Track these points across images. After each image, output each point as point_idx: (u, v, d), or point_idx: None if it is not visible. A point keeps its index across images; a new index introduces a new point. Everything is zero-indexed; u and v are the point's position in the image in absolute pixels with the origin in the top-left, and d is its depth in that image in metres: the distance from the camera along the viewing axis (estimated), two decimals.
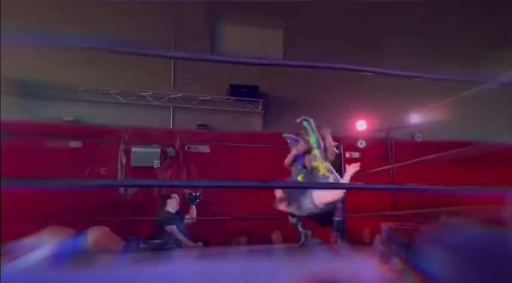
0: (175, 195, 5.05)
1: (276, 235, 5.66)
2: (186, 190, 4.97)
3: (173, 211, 4.93)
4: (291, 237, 5.49)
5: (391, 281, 0.79)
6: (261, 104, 7.34)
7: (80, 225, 2.68)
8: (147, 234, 5.18)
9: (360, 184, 4.43)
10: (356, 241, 5.47)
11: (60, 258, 2.01)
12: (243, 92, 7.20)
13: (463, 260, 0.65)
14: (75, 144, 5.89)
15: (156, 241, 4.38)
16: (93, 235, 2.37)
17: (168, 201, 4.97)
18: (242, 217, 5.75)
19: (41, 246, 2.07)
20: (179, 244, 4.44)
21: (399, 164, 6.24)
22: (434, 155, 3.69)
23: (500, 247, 0.67)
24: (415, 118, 5.80)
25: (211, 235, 5.34)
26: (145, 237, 4.85)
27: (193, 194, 4.89)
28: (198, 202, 5.06)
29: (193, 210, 5.08)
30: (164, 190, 5.32)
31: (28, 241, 2.14)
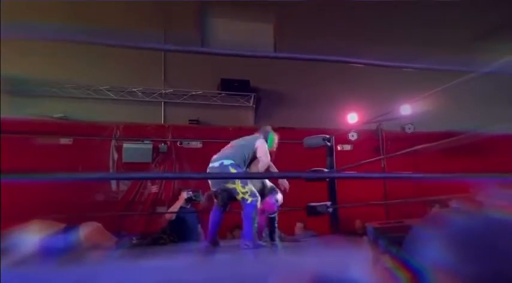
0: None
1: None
2: (187, 191, 4.92)
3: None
4: (284, 230, 5.53)
5: (381, 280, 0.79)
6: (252, 98, 7.33)
7: (71, 221, 2.66)
8: (140, 229, 5.18)
9: (350, 173, 4.46)
10: (348, 231, 5.52)
11: (49, 253, 2.00)
12: (234, 87, 7.18)
13: (454, 252, 0.65)
14: (65, 141, 5.84)
15: (150, 236, 4.36)
16: (84, 231, 2.36)
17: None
18: (236, 211, 5.74)
19: (28, 241, 2.05)
20: (173, 239, 4.43)
21: (389, 155, 6.29)
22: (422, 146, 3.71)
23: (491, 235, 0.67)
24: (406, 109, 5.82)
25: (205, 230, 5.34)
26: (139, 232, 4.84)
27: (191, 195, 4.82)
28: (196, 202, 4.99)
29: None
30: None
31: (14, 235, 2.12)
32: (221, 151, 3.48)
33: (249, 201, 3.22)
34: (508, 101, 7.38)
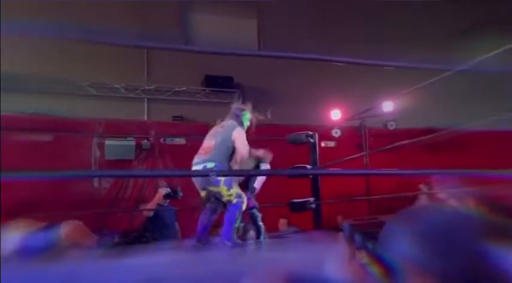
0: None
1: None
2: (165, 187, 4.88)
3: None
4: (270, 226, 5.55)
5: (356, 276, 0.80)
6: (236, 95, 7.31)
7: (53, 219, 2.62)
8: (123, 227, 5.13)
9: (333, 169, 4.50)
10: (332, 227, 5.58)
11: (28, 252, 1.97)
12: (218, 83, 7.16)
13: (427, 246, 0.66)
14: (45, 137, 5.73)
15: (132, 234, 4.33)
16: (65, 230, 2.33)
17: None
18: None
19: (8, 240, 2.02)
20: (155, 238, 4.40)
21: (372, 151, 6.37)
22: (403, 142, 3.78)
23: (464, 228, 0.69)
24: (388, 106, 5.90)
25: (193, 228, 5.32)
26: (121, 230, 4.79)
27: (170, 191, 4.79)
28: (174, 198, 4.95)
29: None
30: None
31: None
32: (201, 151, 3.37)
33: (234, 202, 3.21)
34: (484, 98, 7.56)
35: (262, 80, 7.45)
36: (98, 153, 6.12)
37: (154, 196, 4.85)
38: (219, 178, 3.19)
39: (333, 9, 7.84)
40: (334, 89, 7.08)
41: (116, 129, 6.37)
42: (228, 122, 3.47)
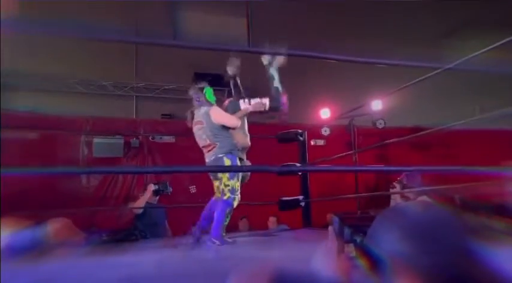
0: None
1: (243, 223, 5.70)
2: (153, 183, 4.85)
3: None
4: (259, 225, 5.56)
5: (344, 270, 0.81)
6: (226, 93, 7.29)
7: (39, 217, 2.59)
8: (112, 225, 5.08)
9: (321, 166, 4.53)
10: (322, 225, 5.60)
11: (14, 251, 1.94)
12: (208, 81, 7.12)
13: (414, 243, 0.67)
14: (32, 135, 5.64)
15: (121, 232, 4.30)
16: (52, 228, 2.30)
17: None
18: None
19: None
20: (144, 236, 4.37)
21: (360, 149, 6.42)
22: (391, 140, 3.82)
23: (450, 225, 0.70)
24: (377, 104, 5.95)
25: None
26: (110, 228, 4.75)
27: (159, 187, 4.76)
28: (163, 194, 4.93)
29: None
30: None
31: None
32: (205, 151, 3.36)
33: (225, 197, 3.18)
34: (473, 96, 7.67)
35: (252, 78, 7.43)
36: (86, 151, 6.06)
37: (143, 193, 4.83)
38: (225, 163, 3.21)
39: (323, 8, 7.87)
40: (324, 87, 7.10)
41: (105, 126, 6.30)
42: (200, 112, 3.45)
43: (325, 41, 6.15)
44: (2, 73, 5.17)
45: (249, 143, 3.70)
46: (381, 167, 5.23)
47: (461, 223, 0.69)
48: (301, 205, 4.32)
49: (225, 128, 3.33)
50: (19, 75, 6.03)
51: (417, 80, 2.85)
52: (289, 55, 3.27)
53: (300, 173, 4.40)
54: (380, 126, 7.29)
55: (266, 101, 3.65)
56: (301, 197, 4.35)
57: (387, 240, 0.70)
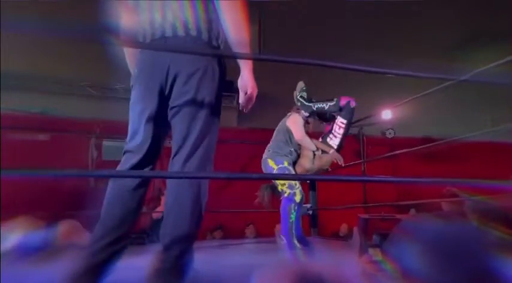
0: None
1: (249, 230, 5.69)
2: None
3: None
4: (265, 231, 5.55)
5: (369, 273, 0.80)
6: (235, 99, 7.32)
7: (50, 219, 2.61)
8: None
9: (329, 175, 4.50)
10: (330, 235, 5.57)
11: (24, 252, 1.96)
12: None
13: (440, 252, 0.67)
14: (43, 137, 5.71)
15: (137, 235, 4.31)
16: (61, 229, 2.32)
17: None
18: (216, 211, 5.73)
19: (8, 238, 2.01)
20: (152, 240, 4.38)
21: (369, 159, 6.38)
22: (401, 151, 3.79)
23: (475, 240, 0.69)
24: (387, 114, 5.92)
25: None
26: None
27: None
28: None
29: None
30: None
31: None
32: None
33: (286, 194, 3.15)
34: (484, 108, 7.60)
35: (262, 84, 7.43)
36: (95, 154, 6.11)
37: (154, 198, 4.84)
38: (271, 165, 3.25)
39: (335, 17, 7.88)
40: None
41: (114, 130, 6.35)
42: (289, 114, 3.74)
43: (337, 50, 6.17)
44: (18, 76, 5.27)
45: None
46: (391, 178, 5.18)
47: (484, 240, 0.69)
48: (308, 213, 4.30)
49: (289, 136, 3.42)
50: (32, 78, 6.12)
51: (429, 90, 2.84)
52: (298, 63, 3.29)
53: (308, 181, 4.39)
54: (390, 136, 7.26)
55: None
56: (309, 205, 4.33)
57: (406, 257, 0.69)
